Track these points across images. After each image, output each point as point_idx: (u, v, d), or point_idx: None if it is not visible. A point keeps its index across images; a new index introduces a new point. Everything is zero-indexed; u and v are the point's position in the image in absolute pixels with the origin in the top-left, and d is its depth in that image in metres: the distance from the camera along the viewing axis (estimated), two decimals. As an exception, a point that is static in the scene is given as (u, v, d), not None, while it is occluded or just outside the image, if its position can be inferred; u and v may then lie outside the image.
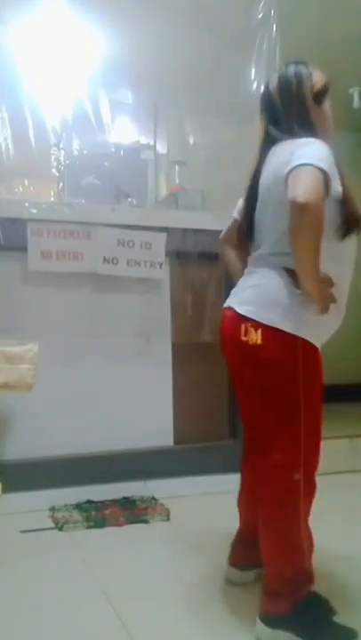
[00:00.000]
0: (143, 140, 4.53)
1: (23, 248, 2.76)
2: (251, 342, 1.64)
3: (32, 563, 2.16)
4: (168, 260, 3.04)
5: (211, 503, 2.74)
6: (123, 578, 2.05)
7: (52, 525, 2.51)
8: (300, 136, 1.63)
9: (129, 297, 3.01)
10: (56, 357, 2.72)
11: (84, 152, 3.95)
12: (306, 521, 1.67)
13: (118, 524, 2.53)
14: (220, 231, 2.03)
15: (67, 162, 3.78)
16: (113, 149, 3.93)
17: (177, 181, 3.96)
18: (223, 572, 2.01)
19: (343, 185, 1.58)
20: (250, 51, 3.20)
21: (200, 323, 3.13)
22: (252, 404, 1.75)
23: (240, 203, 1.91)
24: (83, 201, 3.28)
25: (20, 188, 4.55)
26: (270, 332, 1.61)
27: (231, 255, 1.99)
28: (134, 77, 4.04)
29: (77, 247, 2.86)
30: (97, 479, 2.79)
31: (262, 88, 1.84)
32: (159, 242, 2.99)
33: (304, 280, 1.56)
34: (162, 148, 4.49)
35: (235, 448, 2.63)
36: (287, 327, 1.60)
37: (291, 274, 1.60)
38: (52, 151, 3.83)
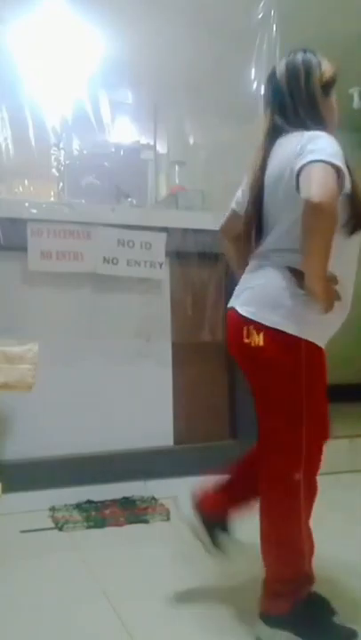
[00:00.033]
0: (143, 140, 4.53)
1: (23, 248, 2.76)
2: (253, 344, 1.62)
3: (32, 563, 2.16)
4: (168, 260, 3.05)
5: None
6: (123, 578, 2.05)
7: (52, 525, 2.51)
8: (309, 128, 1.58)
9: (129, 297, 3.01)
10: (56, 357, 2.72)
11: (84, 152, 3.95)
12: (307, 522, 1.66)
13: (118, 524, 2.53)
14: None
15: (67, 162, 3.78)
16: (113, 149, 3.93)
17: (177, 181, 3.96)
18: (223, 571, 2.01)
19: (352, 180, 1.54)
20: (250, 51, 3.20)
21: (200, 323, 3.13)
22: (256, 403, 1.73)
23: (239, 193, 1.86)
24: (83, 201, 3.29)
25: (20, 188, 4.56)
26: (273, 334, 1.59)
27: (231, 247, 1.97)
28: (134, 77, 4.04)
29: (77, 247, 2.86)
30: (97, 479, 2.79)
31: (268, 75, 1.74)
32: (159, 242, 2.99)
33: (311, 281, 1.52)
34: (162, 148, 4.49)
35: (235, 448, 2.62)
36: (290, 329, 1.58)
37: (294, 273, 1.57)
38: (52, 151, 3.83)
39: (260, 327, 1.61)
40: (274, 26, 3.18)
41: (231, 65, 3.47)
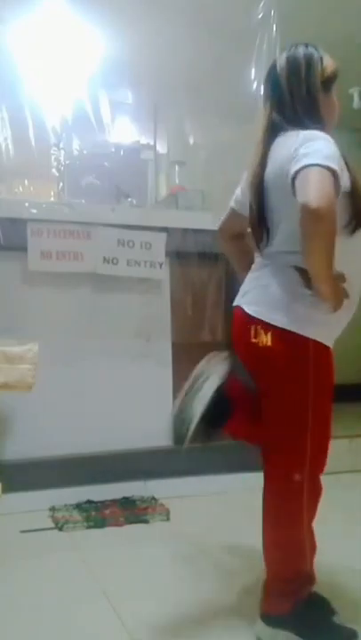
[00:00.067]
0: (143, 140, 4.53)
1: (23, 248, 2.76)
2: (261, 344, 1.60)
3: (32, 563, 2.16)
4: (168, 259, 3.04)
5: (211, 503, 2.74)
6: (123, 578, 2.05)
7: (52, 525, 2.51)
8: (306, 127, 1.55)
9: (129, 297, 3.01)
10: (56, 357, 2.72)
11: (84, 152, 3.96)
12: (310, 522, 1.66)
13: (118, 524, 2.53)
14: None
15: (67, 162, 3.78)
16: (113, 149, 3.93)
17: (177, 181, 3.96)
18: (223, 571, 2.00)
19: (352, 178, 1.53)
20: (250, 51, 3.20)
21: (200, 322, 3.12)
22: (261, 403, 1.72)
23: (238, 192, 1.85)
24: (83, 201, 3.29)
25: (20, 188, 4.56)
26: (281, 334, 1.58)
27: (230, 246, 1.96)
28: (134, 77, 4.04)
29: (77, 247, 2.86)
30: (97, 479, 2.79)
31: (269, 68, 1.70)
32: (159, 242, 2.99)
33: (318, 283, 1.51)
34: (162, 148, 4.50)
35: (235, 448, 2.62)
36: (298, 329, 1.57)
37: (301, 273, 1.56)
38: (52, 151, 3.83)
39: (267, 327, 1.59)
40: (274, 26, 3.18)
41: (231, 65, 3.47)
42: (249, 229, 1.90)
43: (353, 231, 1.58)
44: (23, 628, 1.74)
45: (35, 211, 2.82)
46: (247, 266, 1.88)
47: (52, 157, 3.84)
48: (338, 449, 3.20)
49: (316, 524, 1.69)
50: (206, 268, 3.08)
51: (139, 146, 4.32)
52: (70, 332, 2.86)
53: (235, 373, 1.74)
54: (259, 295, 1.66)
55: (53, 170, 3.85)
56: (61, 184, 3.76)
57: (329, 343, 1.64)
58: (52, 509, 2.64)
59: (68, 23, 3.61)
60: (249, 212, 1.71)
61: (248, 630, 1.68)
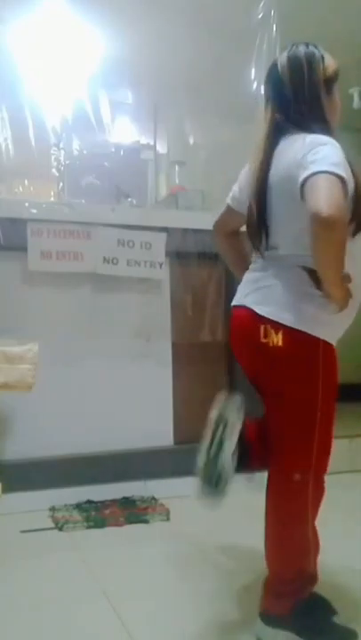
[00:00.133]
0: (143, 140, 4.53)
1: (23, 248, 2.76)
2: (271, 344, 1.59)
3: (32, 563, 2.16)
4: (168, 259, 3.04)
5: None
6: (123, 578, 2.05)
7: (52, 525, 2.51)
8: (311, 129, 1.55)
9: (129, 297, 3.01)
10: (56, 357, 2.72)
11: (84, 152, 3.96)
12: (313, 522, 1.66)
13: (118, 524, 2.53)
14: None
15: (67, 162, 3.79)
16: (113, 149, 3.93)
17: (177, 181, 3.96)
18: (223, 571, 2.00)
19: (356, 181, 1.53)
20: (250, 51, 3.19)
21: (200, 323, 3.12)
22: (268, 403, 1.72)
23: (235, 188, 1.84)
24: (83, 201, 3.28)
25: (20, 188, 4.56)
26: (292, 334, 1.58)
27: (225, 243, 1.96)
28: (134, 77, 4.05)
29: (77, 247, 2.86)
30: (97, 479, 2.79)
31: (269, 67, 1.68)
32: (159, 242, 2.99)
33: (329, 287, 1.52)
34: (162, 148, 4.50)
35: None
36: (309, 329, 1.57)
37: (310, 274, 1.56)
38: (52, 151, 3.83)
39: (278, 327, 1.58)
40: (274, 26, 3.18)
41: (231, 65, 3.47)
42: (243, 228, 1.90)
43: (354, 234, 1.58)
44: (23, 627, 1.74)
45: (35, 211, 2.81)
46: (241, 263, 1.88)
47: (52, 157, 3.84)
48: (338, 449, 3.19)
49: (317, 524, 1.69)
50: (206, 267, 3.08)
51: (139, 146, 4.33)
52: (70, 332, 2.86)
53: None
54: (266, 295, 1.64)
55: (53, 170, 3.85)
56: (61, 184, 3.76)
57: (334, 343, 1.64)
58: (52, 509, 2.64)
59: (68, 23, 3.61)
60: (248, 212, 1.71)
61: (248, 630, 1.68)
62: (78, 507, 2.68)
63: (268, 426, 1.72)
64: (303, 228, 1.52)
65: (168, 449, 3.04)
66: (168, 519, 2.59)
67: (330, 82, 1.62)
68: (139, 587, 1.99)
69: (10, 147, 3.61)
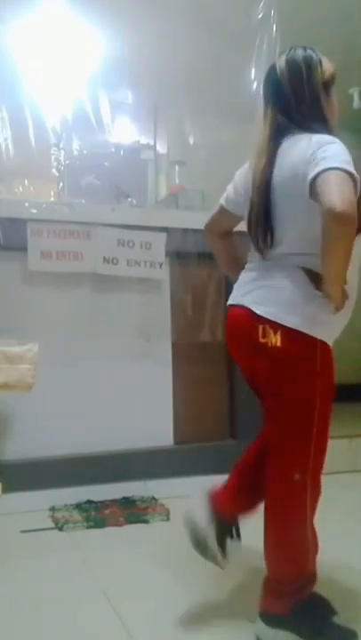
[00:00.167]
0: (143, 140, 4.53)
1: (23, 248, 2.76)
2: (270, 344, 1.59)
3: (32, 563, 2.16)
4: (168, 259, 3.04)
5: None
6: (123, 578, 2.05)
7: (52, 525, 2.51)
8: (315, 130, 1.56)
9: (129, 297, 3.01)
10: (56, 357, 2.72)
11: (84, 152, 3.95)
12: (312, 521, 1.67)
13: (118, 524, 2.53)
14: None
15: (67, 162, 3.78)
16: (113, 149, 3.93)
17: (177, 181, 3.96)
18: (223, 571, 2.00)
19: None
20: (250, 51, 3.19)
21: (200, 323, 3.13)
22: (266, 404, 1.72)
23: (230, 189, 1.84)
24: (83, 201, 3.28)
25: (20, 188, 4.55)
26: (290, 334, 1.58)
27: (217, 243, 1.96)
28: (134, 77, 4.05)
29: (77, 247, 2.86)
30: (97, 479, 2.79)
31: (267, 71, 1.70)
32: (159, 242, 2.99)
33: (332, 286, 1.52)
34: (162, 148, 4.49)
35: (235, 448, 2.62)
36: (307, 329, 1.58)
37: (310, 274, 1.57)
38: (52, 151, 3.83)
39: (276, 327, 1.59)
40: (274, 26, 3.17)
41: (231, 65, 3.46)
42: (235, 229, 1.91)
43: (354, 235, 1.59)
44: (23, 627, 1.74)
45: (35, 211, 2.82)
46: (233, 264, 1.90)
47: (52, 157, 3.84)
48: (338, 449, 3.21)
49: (316, 524, 1.69)
50: (206, 267, 3.08)
51: (139, 146, 4.32)
52: (70, 331, 2.86)
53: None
54: (267, 295, 1.64)
55: (53, 170, 3.85)
56: (61, 184, 3.76)
57: (331, 343, 1.65)
58: (52, 509, 2.65)
59: (68, 23, 3.61)
60: (249, 213, 1.70)
61: (248, 630, 1.68)
62: (78, 507, 2.68)
63: (266, 426, 1.73)
64: (306, 227, 1.53)
65: (168, 449, 3.04)
66: (168, 519, 2.59)
67: (328, 85, 1.64)
68: (139, 587, 1.99)
69: (10, 147, 3.61)
